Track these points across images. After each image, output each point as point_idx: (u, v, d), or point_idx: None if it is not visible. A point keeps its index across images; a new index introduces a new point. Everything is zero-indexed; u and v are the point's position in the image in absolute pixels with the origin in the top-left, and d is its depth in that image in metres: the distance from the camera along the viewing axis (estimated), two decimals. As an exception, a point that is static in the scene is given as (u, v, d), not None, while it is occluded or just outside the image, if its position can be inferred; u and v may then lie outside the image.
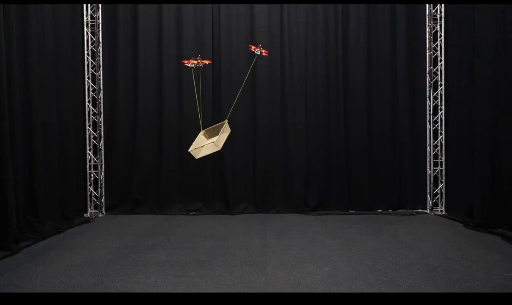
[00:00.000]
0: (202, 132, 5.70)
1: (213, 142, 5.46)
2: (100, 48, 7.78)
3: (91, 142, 7.79)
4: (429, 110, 7.90)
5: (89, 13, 7.68)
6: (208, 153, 5.58)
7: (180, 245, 5.65)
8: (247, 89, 7.94)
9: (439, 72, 7.82)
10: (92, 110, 7.79)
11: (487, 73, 6.30)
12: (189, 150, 5.58)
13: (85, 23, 7.65)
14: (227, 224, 7.01)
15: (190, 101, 7.95)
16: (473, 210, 6.58)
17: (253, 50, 5.88)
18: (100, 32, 7.76)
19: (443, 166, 7.83)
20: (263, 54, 5.86)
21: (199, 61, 5.57)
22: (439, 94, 7.82)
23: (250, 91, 7.96)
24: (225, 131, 5.54)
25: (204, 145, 5.54)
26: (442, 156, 7.85)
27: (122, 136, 7.98)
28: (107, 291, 4.02)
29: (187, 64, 5.72)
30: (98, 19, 7.74)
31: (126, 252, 5.34)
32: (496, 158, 6.25)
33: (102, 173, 7.87)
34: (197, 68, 5.65)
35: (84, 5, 7.62)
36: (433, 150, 7.88)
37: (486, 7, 6.28)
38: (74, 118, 7.27)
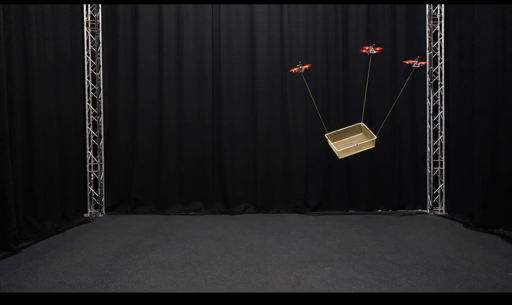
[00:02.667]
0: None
1: (357, 144, 5.89)
2: (100, 48, 7.78)
3: (91, 142, 7.80)
4: (429, 110, 7.90)
5: (89, 13, 7.69)
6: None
7: (180, 245, 5.65)
8: (247, 89, 7.98)
9: (439, 72, 7.81)
10: (92, 110, 7.79)
11: (487, 73, 6.30)
12: (337, 150, 5.83)
13: (85, 23, 7.65)
14: (227, 224, 7.01)
15: (190, 101, 7.99)
16: (473, 210, 6.58)
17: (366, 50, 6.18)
18: (100, 32, 7.76)
19: (443, 166, 7.84)
20: (376, 51, 6.10)
21: (300, 67, 6.09)
22: (439, 94, 7.82)
23: (250, 91, 7.98)
24: (369, 145, 5.86)
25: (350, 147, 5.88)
26: (442, 156, 7.85)
27: (122, 136, 7.98)
28: (107, 291, 4.01)
29: (294, 71, 6.25)
30: (98, 19, 7.74)
31: (126, 252, 5.34)
32: (496, 158, 6.25)
33: (102, 173, 7.87)
34: (299, 74, 6.18)
35: (84, 5, 7.63)
36: (433, 151, 7.88)
37: (486, 7, 6.28)
38: (74, 118, 7.27)
